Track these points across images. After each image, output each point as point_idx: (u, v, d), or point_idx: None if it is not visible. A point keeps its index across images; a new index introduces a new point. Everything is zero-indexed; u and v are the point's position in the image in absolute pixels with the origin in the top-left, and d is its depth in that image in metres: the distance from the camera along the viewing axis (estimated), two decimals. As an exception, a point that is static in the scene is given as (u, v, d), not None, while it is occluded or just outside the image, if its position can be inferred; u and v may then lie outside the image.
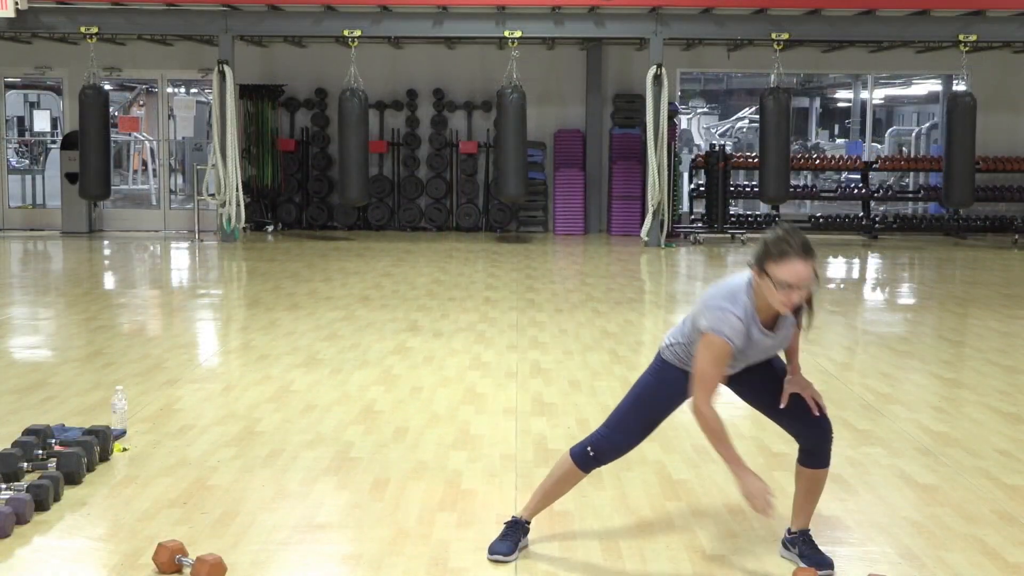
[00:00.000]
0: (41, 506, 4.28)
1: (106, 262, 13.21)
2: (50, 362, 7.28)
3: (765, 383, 3.89)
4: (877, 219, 16.09)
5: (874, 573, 3.79)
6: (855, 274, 13.17)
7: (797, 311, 3.69)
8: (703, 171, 15.90)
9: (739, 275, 3.71)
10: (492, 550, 3.90)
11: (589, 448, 3.91)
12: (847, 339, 8.58)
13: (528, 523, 4.02)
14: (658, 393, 3.88)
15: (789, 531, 3.99)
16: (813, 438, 3.89)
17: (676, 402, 3.89)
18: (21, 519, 4.13)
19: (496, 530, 4.04)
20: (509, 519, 4.03)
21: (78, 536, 4.10)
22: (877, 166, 16.23)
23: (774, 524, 4.29)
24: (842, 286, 12.04)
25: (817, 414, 3.82)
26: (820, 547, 3.91)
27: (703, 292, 3.82)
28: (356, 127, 14.26)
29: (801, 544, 3.90)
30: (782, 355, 3.93)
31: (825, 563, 3.83)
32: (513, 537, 3.95)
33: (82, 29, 14.20)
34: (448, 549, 4.01)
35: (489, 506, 4.44)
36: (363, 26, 14.22)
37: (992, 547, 4.07)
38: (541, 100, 16.02)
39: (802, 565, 3.82)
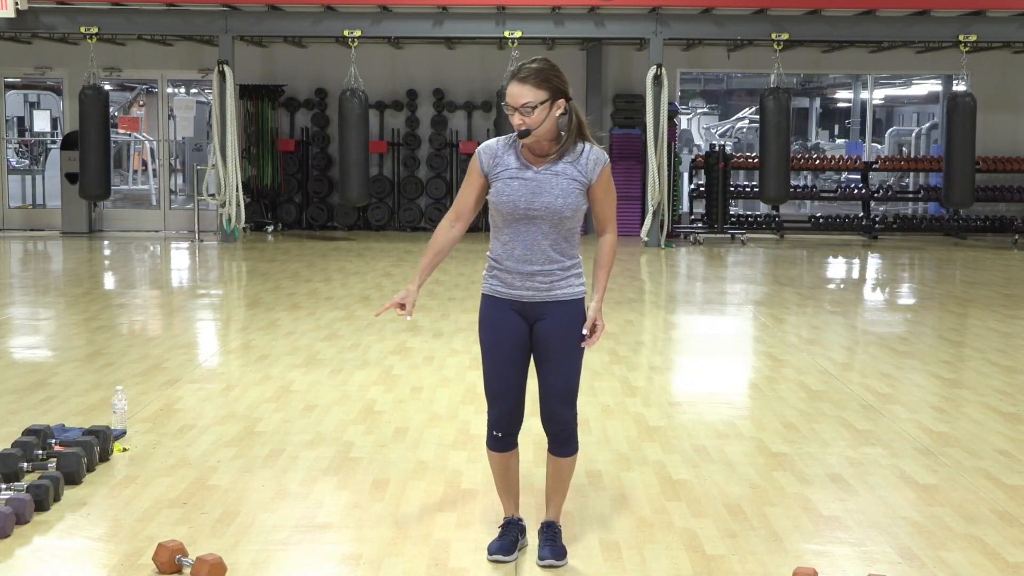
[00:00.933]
0: (41, 506, 4.28)
1: (106, 262, 13.21)
2: (50, 362, 7.28)
3: (543, 354, 3.85)
4: (877, 219, 16.09)
5: (874, 573, 3.79)
6: (855, 274, 13.17)
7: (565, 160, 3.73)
8: (703, 171, 15.90)
9: None
10: (491, 550, 3.90)
11: (494, 431, 3.91)
12: (847, 339, 8.58)
13: (522, 520, 4.02)
14: (488, 348, 3.88)
15: (541, 522, 4.01)
16: (544, 407, 3.89)
17: (510, 343, 3.83)
18: (21, 519, 4.13)
19: (497, 530, 4.03)
20: (502, 520, 4.03)
21: (78, 536, 4.10)
22: (877, 166, 16.23)
23: (774, 525, 4.29)
24: (842, 286, 12.05)
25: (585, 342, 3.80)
26: (563, 541, 3.94)
27: None
28: (356, 127, 14.26)
29: (542, 535, 3.93)
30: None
31: (556, 553, 3.85)
32: (510, 536, 3.94)
33: (82, 29, 14.20)
34: (448, 549, 4.01)
35: (489, 506, 4.44)
36: (363, 26, 14.22)
37: (992, 547, 4.07)
38: (541, 100, 16.00)
39: (537, 557, 3.84)
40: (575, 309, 3.83)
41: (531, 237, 3.77)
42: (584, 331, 3.79)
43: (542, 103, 3.67)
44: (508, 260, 3.81)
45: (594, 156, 3.78)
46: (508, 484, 4.00)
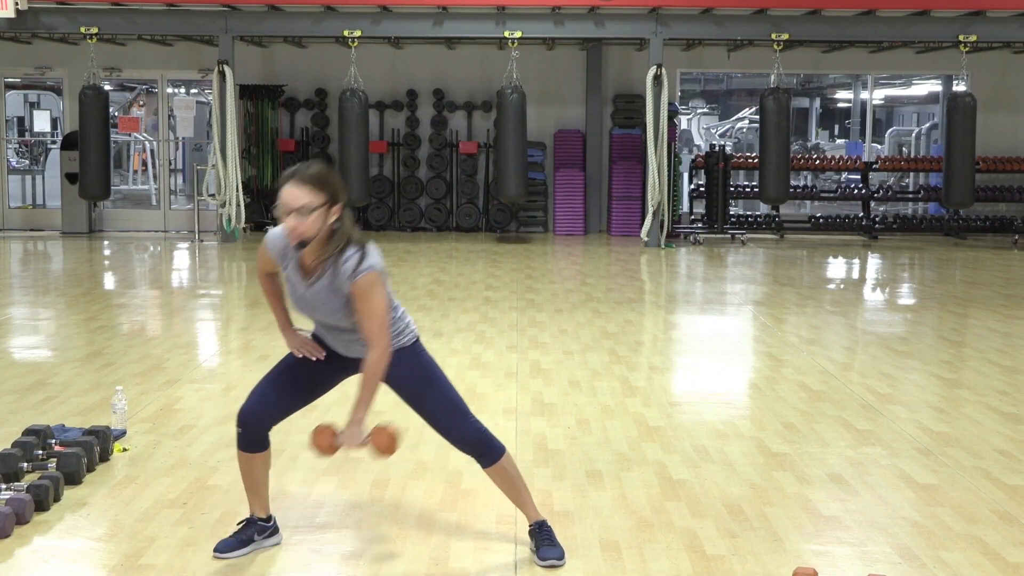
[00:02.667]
0: (41, 506, 4.28)
1: (106, 262, 13.21)
2: (50, 362, 7.28)
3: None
4: (877, 219, 16.09)
5: (874, 573, 3.79)
6: (855, 274, 13.17)
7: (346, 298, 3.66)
8: (703, 171, 15.90)
9: None
10: (216, 548, 3.90)
11: (238, 427, 3.89)
12: (847, 339, 8.58)
13: (267, 520, 4.02)
14: (290, 360, 3.94)
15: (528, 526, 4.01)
16: (458, 449, 3.95)
17: (311, 373, 3.88)
18: (21, 519, 4.13)
19: (497, 530, 4.04)
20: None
21: (78, 536, 4.11)
22: (877, 166, 16.23)
23: (774, 525, 4.29)
24: (842, 286, 12.05)
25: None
26: (557, 538, 3.94)
27: None
28: (356, 127, 14.26)
29: (535, 536, 3.93)
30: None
31: (555, 553, 3.85)
32: (246, 534, 3.95)
33: (82, 29, 14.20)
34: (448, 549, 4.01)
35: (489, 506, 4.44)
36: (363, 26, 14.22)
37: (992, 547, 4.07)
38: (541, 100, 16.03)
39: (537, 558, 3.84)
40: (405, 356, 3.82)
41: (332, 330, 3.81)
42: (340, 433, 3.74)
43: (318, 207, 3.53)
44: (325, 337, 3.87)
45: (347, 267, 3.59)
46: (253, 484, 3.98)
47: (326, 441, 3.75)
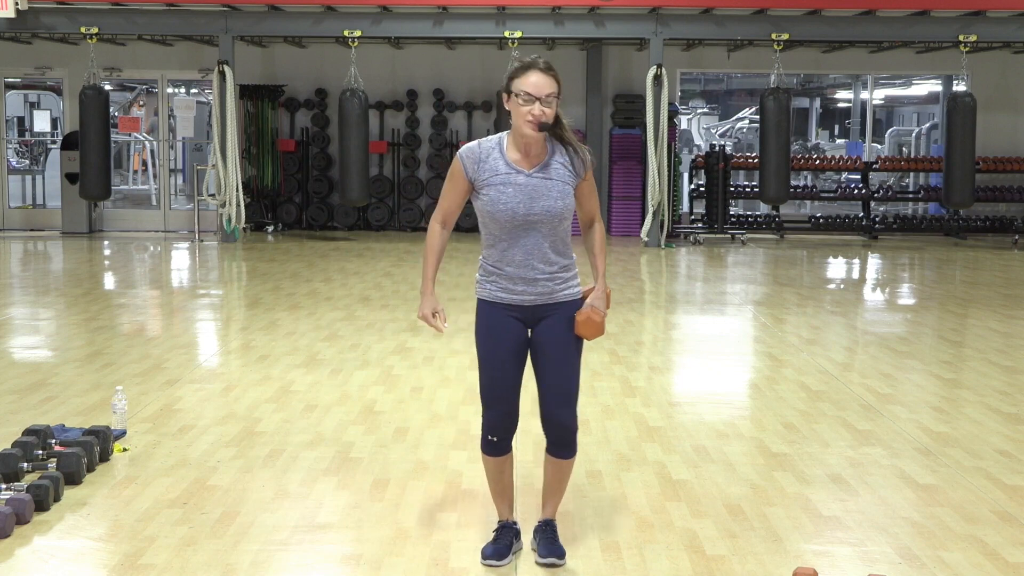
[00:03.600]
0: (41, 506, 4.28)
1: (106, 262, 13.21)
2: (50, 362, 7.28)
3: (544, 356, 3.85)
4: (877, 219, 16.09)
5: (874, 573, 3.79)
6: (855, 274, 13.17)
7: (572, 166, 3.73)
8: (703, 171, 15.90)
9: None
10: (485, 555, 3.89)
11: (489, 435, 3.89)
12: (847, 339, 8.58)
13: (516, 524, 4.01)
14: (486, 351, 3.86)
15: (539, 520, 4.00)
16: (543, 409, 3.87)
17: (508, 346, 3.81)
18: (21, 519, 4.13)
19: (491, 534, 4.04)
20: (497, 524, 4.02)
21: (78, 536, 4.11)
22: (877, 166, 16.23)
23: (774, 525, 4.29)
24: (842, 287, 12.05)
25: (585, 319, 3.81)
26: (559, 539, 3.94)
27: None
28: (356, 127, 14.26)
29: (540, 533, 3.92)
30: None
31: (556, 552, 3.85)
32: (504, 540, 3.94)
33: (82, 29, 14.20)
34: (448, 549, 4.01)
35: (489, 506, 4.44)
36: (363, 26, 14.22)
37: (992, 547, 4.07)
38: (541, 100, 16.01)
39: (537, 555, 3.85)
40: (575, 310, 3.83)
41: (531, 241, 3.73)
42: (589, 306, 3.81)
43: (559, 95, 3.68)
44: (509, 266, 3.77)
45: (582, 154, 3.77)
46: (502, 488, 3.99)
47: (598, 322, 3.82)
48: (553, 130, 3.71)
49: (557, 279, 3.78)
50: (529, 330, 3.84)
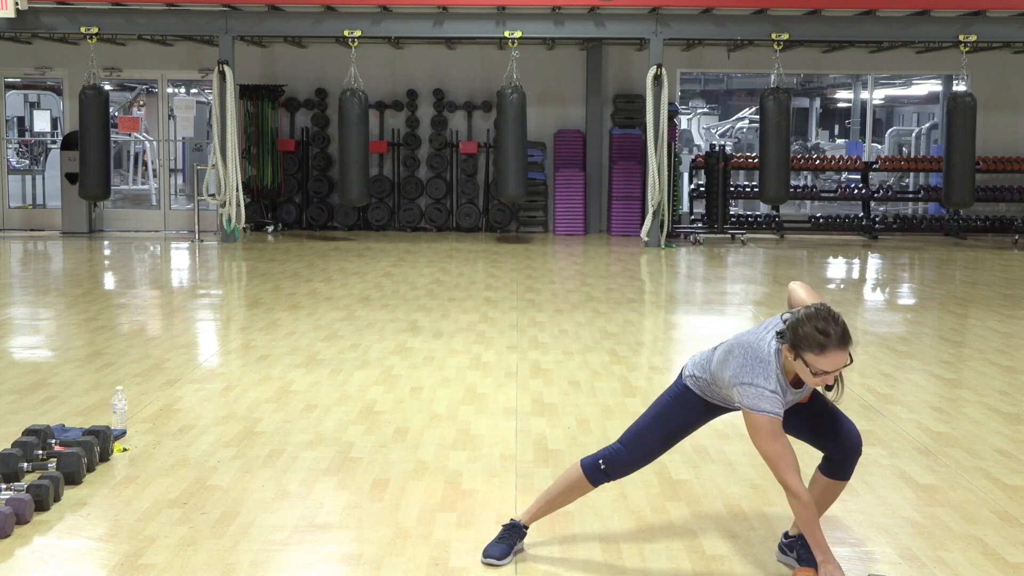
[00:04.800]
0: (41, 506, 4.28)
1: (106, 262, 13.21)
2: (50, 362, 7.28)
3: (800, 415, 3.85)
4: (877, 219, 16.09)
5: (874, 573, 3.79)
6: (855, 274, 13.17)
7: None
8: (703, 171, 15.90)
9: (764, 338, 3.62)
10: (486, 553, 3.90)
11: (601, 461, 3.88)
12: (847, 339, 8.56)
13: (526, 528, 4.02)
14: (676, 415, 3.85)
15: (786, 535, 3.98)
16: (845, 450, 3.86)
17: (693, 426, 3.89)
18: (21, 519, 4.13)
19: (496, 530, 4.03)
20: (508, 522, 4.02)
21: (78, 536, 4.11)
22: (877, 166, 16.23)
23: (774, 525, 4.29)
24: (842, 286, 12.05)
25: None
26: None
27: (731, 342, 3.71)
28: (356, 127, 14.26)
29: (799, 548, 3.88)
30: None
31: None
32: (509, 540, 3.94)
33: (82, 29, 14.20)
34: (448, 549, 4.01)
35: (489, 506, 4.44)
36: (363, 26, 14.22)
37: (992, 547, 4.07)
38: (541, 100, 16.03)
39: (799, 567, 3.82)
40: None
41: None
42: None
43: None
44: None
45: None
46: (560, 504, 4.02)
47: None
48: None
49: None
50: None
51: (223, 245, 14.44)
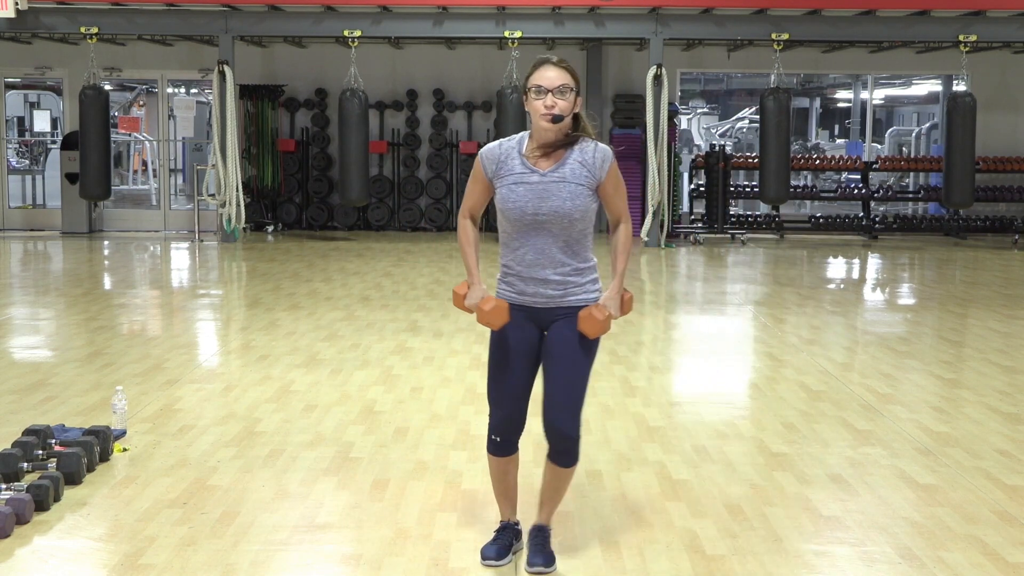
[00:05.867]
0: (41, 506, 4.28)
1: (106, 262, 13.21)
2: (50, 362, 7.28)
3: (550, 359, 3.82)
4: (877, 219, 16.09)
5: None
6: (855, 274, 13.17)
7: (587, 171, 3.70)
8: (703, 171, 15.90)
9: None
10: (484, 554, 3.89)
11: (494, 435, 3.91)
12: (847, 339, 8.58)
13: (518, 524, 4.01)
14: (498, 353, 3.88)
15: (532, 525, 3.98)
16: (544, 418, 3.85)
17: (519, 350, 3.83)
18: (21, 519, 4.13)
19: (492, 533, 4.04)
20: (498, 524, 4.02)
21: (78, 536, 4.11)
22: (877, 166, 16.23)
23: (774, 525, 4.29)
24: (842, 286, 12.05)
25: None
26: (551, 547, 3.90)
27: None
28: (356, 127, 14.26)
29: (532, 539, 3.90)
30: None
31: (545, 560, 3.82)
32: (503, 540, 3.94)
33: (82, 29, 14.20)
34: (448, 549, 4.01)
35: (489, 506, 4.44)
36: (363, 26, 14.22)
37: (992, 547, 4.07)
38: (541, 100, 16.01)
39: (526, 564, 3.81)
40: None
41: (541, 242, 3.71)
42: (596, 303, 3.75)
43: (574, 90, 3.70)
44: (519, 266, 3.77)
45: (600, 153, 3.73)
46: (505, 488, 3.99)
47: (603, 321, 3.71)
48: (573, 129, 3.74)
49: (570, 283, 3.76)
50: (545, 333, 3.82)
51: (223, 245, 14.44)
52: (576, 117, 3.75)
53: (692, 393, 6.81)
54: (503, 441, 3.89)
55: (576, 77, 3.73)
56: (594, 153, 3.73)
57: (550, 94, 3.65)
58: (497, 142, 3.84)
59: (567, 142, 3.73)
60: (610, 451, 5.25)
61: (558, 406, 3.79)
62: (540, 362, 3.86)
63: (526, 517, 4.15)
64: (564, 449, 3.83)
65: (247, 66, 15.84)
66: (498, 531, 3.98)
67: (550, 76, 3.67)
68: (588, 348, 3.79)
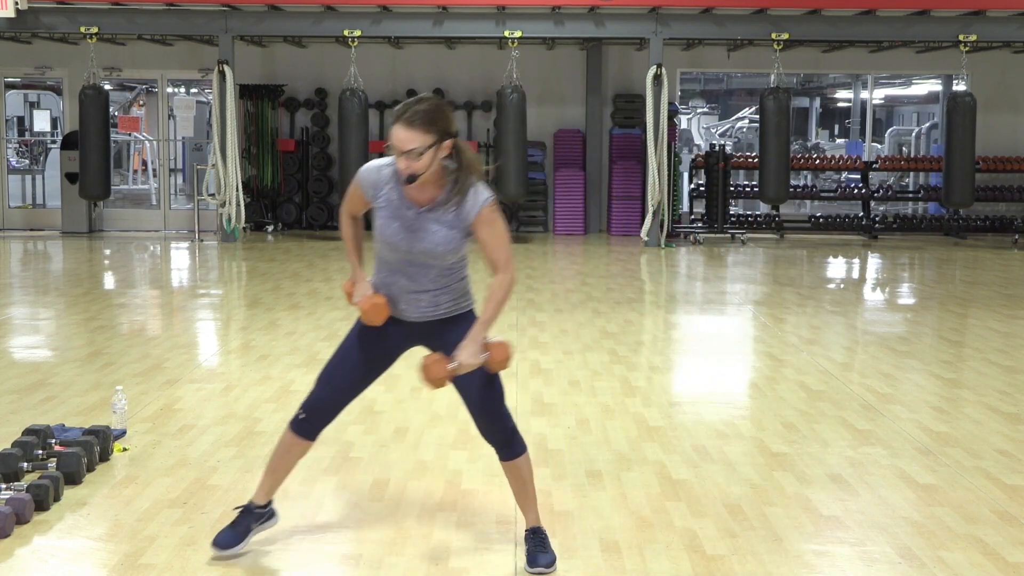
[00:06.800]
0: (41, 506, 4.28)
1: (106, 262, 13.21)
2: (50, 362, 7.28)
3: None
4: (877, 219, 16.09)
5: None
6: (855, 274, 13.17)
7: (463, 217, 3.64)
8: (703, 171, 15.90)
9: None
10: (216, 542, 3.87)
11: (301, 411, 3.89)
12: (847, 339, 8.58)
13: (264, 506, 4.00)
14: (351, 343, 3.89)
15: (525, 529, 3.97)
16: (482, 435, 3.90)
17: (371, 352, 3.86)
18: (21, 519, 4.13)
19: (497, 530, 4.04)
20: (240, 506, 4.02)
21: (78, 536, 4.11)
22: (877, 166, 16.23)
23: (774, 525, 4.29)
24: (842, 286, 12.05)
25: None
26: (550, 545, 3.90)
27: None
28: (356, 127, 14.26)
29: (529, 542, 3.89)
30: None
31: (545, 560, 3.81)
32: (243, 525, 3.93)
33: (82, 29, 14.20)
34: (448, 549, 4.01)
35: (489, 506, 4.44)
36: (363, 26, 14.22)
37: (992, 547, 4.07)
38: (541, 100, 16.02)
39: (527, 565, 3.81)
40: (468, 322, 3.80)
41: (414, 270, 3.74)
42: (454, 356, 3.68)
43: (429, 147, 3.53)
44: (393, 288, 3.80)
45: (472, 198, 3.63)
46: (278, 468, 3.98)
47: (441, 371, 3.68)
48: (457, 163, 3.63)
49: (441, 302, 3.79)
50: (424, 347, 3.85)
51: (223, 245, 14.43)
52: (458, 151, 3.62)
53: (692, 393, 6.82)
54: (307, 422, 3.89)
55: (438, 128, 3.53)
56: (469, 196, 3.64)
57: (402, 156, 3.55)
58: (377, 164, 3.75)
59: (446, 180, 3.64)
60: (610, 451, 5.25)
61: (480, 418, 3.89)
62: (383, 371, 3.92)
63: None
64: (503, 442, 3.88)
65: (247, 66, 15.83)
66: (239, 514, 3.97)
67: (401, 138, 3.53)
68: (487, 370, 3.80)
